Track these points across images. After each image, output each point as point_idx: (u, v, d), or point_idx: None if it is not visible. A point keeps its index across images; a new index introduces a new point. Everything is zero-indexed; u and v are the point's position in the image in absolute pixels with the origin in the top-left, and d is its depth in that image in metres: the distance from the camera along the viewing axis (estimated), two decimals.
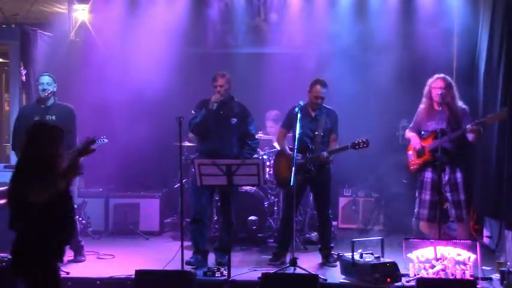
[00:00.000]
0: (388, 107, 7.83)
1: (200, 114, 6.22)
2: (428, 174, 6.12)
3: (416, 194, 6.27)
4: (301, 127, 6.13)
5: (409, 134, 6.35)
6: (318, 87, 6.28)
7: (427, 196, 6.11)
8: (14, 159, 7.21)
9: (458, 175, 6.05)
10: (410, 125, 6.40)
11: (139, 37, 8.09)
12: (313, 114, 6.36)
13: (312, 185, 6.42)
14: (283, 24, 8.38)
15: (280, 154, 6.61)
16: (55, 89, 6.27)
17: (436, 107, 6.07)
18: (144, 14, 8.17)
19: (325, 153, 6.22)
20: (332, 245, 6.48)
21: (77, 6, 8.29)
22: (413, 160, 6.26)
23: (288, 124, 6.44)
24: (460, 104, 6.10)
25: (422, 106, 6.22)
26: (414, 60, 7.93)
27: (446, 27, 7.75)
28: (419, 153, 6.18)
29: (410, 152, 6.32)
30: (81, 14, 8.29)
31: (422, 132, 6.22)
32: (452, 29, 7.80)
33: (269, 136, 7.73)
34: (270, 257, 6.43)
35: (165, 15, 8.17)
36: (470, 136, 5.87)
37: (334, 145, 6.34)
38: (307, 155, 6.28)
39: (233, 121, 6.27)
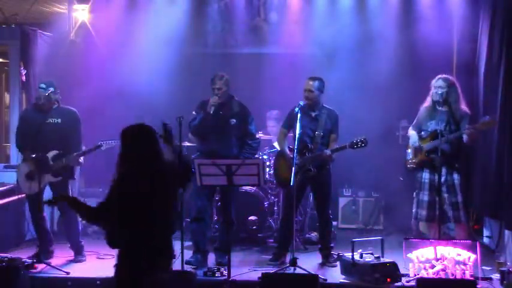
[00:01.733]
0: (388, 107, 7.83)
1: (198, 117, 6.23)
2: (425, 175, 6.12)
3: (414, 195, 6.26)
4: (302, 127, 6.14)
5: (410, 132, 6.37)
6: (306, 81, 6.32)
7: (425, 197, 6.11)
8: (13, 159, 7.23)
9: (455, 176, 6.04)
10: (413, 123, 6.40)
11: (139, 37, 8.09)
12: (313, 114, 6.37)
13: (312, 185, 6.42)
14: (283, 24, 8.38)
15: (280, 154, 6.61)
16: (54, 92, 6.27)
17: (437, 107, 6.07)
18: (144, 14, 8.16)
19: (327, 151, 6.22)
20: (332, 245, 6.48)
21: (77, 6, 8.29)
22: (410, 159, 6.27)
23: (288, 124, 6.44)
24: (463, 106, 6.09)
25: (424, 105, 6.22)
26: (414, 60, 7.92)
27: (446, 28, 7.74)
28: (416, 152, 6.19)
29: (408, 151, 6.33)
30: (81, 14, 8.29)
31: (422, 132, 6.22)
32: (452, 30, 7.79)
33: (269, 136, 7.72)
34: (270, 257, 6.43)
35: (165, 15, 8.17)
36: (465, 138, 5.89)
37: (334, 145, 6.34)
38: (307, 154, 6.28)
39: (232, 121, 6.27)
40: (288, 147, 6.42)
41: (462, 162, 6.17)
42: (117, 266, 4.00)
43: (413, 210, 6.26)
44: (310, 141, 6.31)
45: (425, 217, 6.12)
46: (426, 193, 6.10)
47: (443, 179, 6.01)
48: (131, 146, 4.10)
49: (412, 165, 6.25)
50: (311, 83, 6.29)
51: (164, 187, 4.04)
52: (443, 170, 6.01)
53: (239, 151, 6.29)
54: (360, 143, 6.14)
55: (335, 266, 6.13)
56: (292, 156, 6.10)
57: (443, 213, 6.04)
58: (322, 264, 6.31)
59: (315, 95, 6.29)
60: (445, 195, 6.01)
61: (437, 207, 5.97)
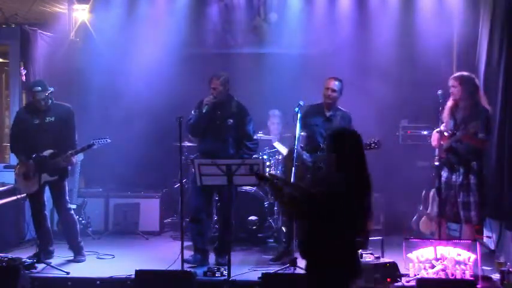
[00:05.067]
0: (388, 107, 7.83)
1: (193, 116, 6.23)
2: (444, 174, 6.05)
3: (432, 192, 6.21)
4: (315, 126, 6.16)
5: (436, 130, 6.20)
6: (330, 79, 6.31)
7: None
8: (13, 159, 7.23)
9: (471, 176, 5.89)
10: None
11: (140, 37, 8.10)
12: (327, 114, 6.35)
13: None
14: (283, 24, 8.38)
15: (289, 154, 6.48)
16: (47, 93, 6.23)
17: (457, 105, 5.96)
18: (144, 14, 8.17)
19: None
20: None
21: (77, 6, 8.30)
22: (436, 155, 6.18)
23: (302, 125, 6.37)
24: (484, 104, 5.92)
25: (448, 104, 6.07)
26: (414, 60, 7.92)
27: (447, 28, 7.75)
28: (440, 150, 6.11)
29: (436, 148, 6.25)
30: (81, 14, 8.29)
31: (446, 130, 6.11)
32: (453, 30, 7.80)
33: (269, 136, 7.71)
34: (271, 257, 6.42)
35: (165, 15, 8.18)
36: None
37: None
38: (318, 153, 6.22)
39: (229, 122, 6.25)
40: (300, 146, 6.38)
41: (479, 162, 5.97)
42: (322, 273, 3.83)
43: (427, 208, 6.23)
44: (323, 141, 6.25)
45: (436, 213, 6.09)
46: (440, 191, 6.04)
47: (460, 178, 5.93)
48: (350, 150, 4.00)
49: (435, 163, 6.16)
50: (334, 82, 6.29)
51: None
52: (461, 169, 5.93)
53: (236, 152, 6.26)
54: (373, 145, 6.11)
55: None
56: (306, 156, 6.08)
57: (453, 212, 5.99)
58: None
59: (336, 95, 6.29)
60: (460, 194, 5.91)
61: (443, 206, 5.94)
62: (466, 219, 5.97)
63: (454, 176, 5.94)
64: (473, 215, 5.91)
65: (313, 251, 3.84)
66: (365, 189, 3.93)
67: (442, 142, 6.03)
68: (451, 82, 5.98)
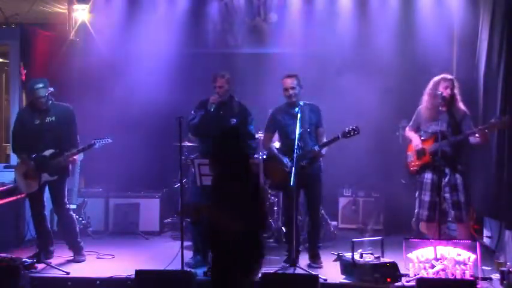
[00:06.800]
0: (388, 107, 7.82)
1: (198, 115, 6.22)
2: (428, 175, 6.07)
3: (416, 195, 6.23)
4: (287, 125, 6.18)
5: (410, 133, 6.29)
6: (285, 79, 6.28)
7: (426, 197, 6.07)
8: (13, 159, 7.24)
9: (458, 176, 5.98)
10: (410, 123, 6.34)
11: (139, 37, 8.11)
12: (295, 111, 6.32)
13: (303, 183, 6.17)
14: (283, 24, 8.39)
15: (270, 158, 6.50)
16: (48, 92, 6.22)
17: (440, 107, 6.01)
18: (144, 14, 8.18)
19: (316, 148, 6.18)
20: (320, 245, 6.43)
21: (77, 6, 8.30)
22: (413, 161, 6.22)
23: (271, 128, 6.40)
24: (462, 106, 6.05)
25: (424, 105, 6.15)
26: (414, 60, 7.92)
27: (447, 28, 7.75)
28: (420, 154, 6.13)
29: (410, 153, 6.28)
30: (81, 14, 8.29)
31: (422, 132, 6.17)
32: (452, 30, 7.80)
33: None
34: (277, 257, 6.41)
35: (165, 15, 8.18)
36: (474, 140, 5.84)
37: (323, 138, 6.28)
38: (297, 151, 6.17)
39: (232, 121, 6.25)
40: (276, 148, 6.41)
41: (464, 163, 6.10)
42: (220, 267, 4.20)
43: (416, 211, 6.23)
44: (299, 139, 6.20)
45: (426, 217, 6.09)
46: (428, 193, 6.05)
47: (446, 179, 5.96)
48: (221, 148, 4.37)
49: (415, 168, 6.19)
50: (291, 80, 6.27)
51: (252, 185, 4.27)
52: (447, 171, 5.97)
53: None
54: (352, 131, 6.03)
55: (321, 267, 6.12)
56: (286, 160, 6.10)
57: (444, 213, 6.02)
58: (309, 266, 6.22)
59: (296, 92, 6.27)
60: (447, 194, 5.97)
61: (437, 208, 5.95)
62: (458, 219, 6.01)
63: (441, 178, 5.93)
64: (464, 214, 5.99)
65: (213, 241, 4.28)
66: (243, 187, 4.19)
67: (424, 146, 6.05)
68: (451, 83, 5.98)
